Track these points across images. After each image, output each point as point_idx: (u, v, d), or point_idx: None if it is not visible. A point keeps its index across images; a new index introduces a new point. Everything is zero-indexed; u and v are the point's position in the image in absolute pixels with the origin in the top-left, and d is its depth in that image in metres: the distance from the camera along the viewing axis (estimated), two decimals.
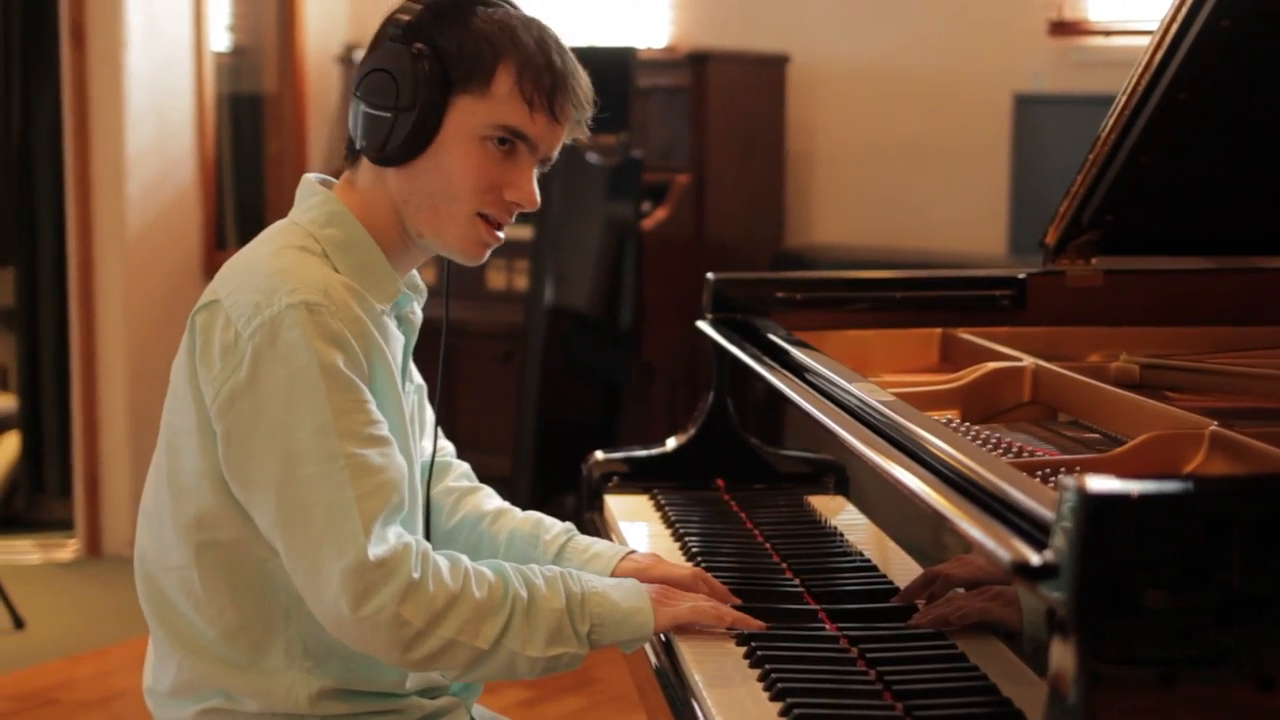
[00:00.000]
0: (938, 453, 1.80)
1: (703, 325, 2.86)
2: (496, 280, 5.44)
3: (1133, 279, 2.90)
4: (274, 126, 6.33)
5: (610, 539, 2.59)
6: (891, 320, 2.89)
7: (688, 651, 2.01)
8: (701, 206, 5.43)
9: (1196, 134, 2.65)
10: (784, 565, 2.37)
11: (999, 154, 5.57)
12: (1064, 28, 5.46)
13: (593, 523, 2.74)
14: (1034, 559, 1.42)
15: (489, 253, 2.09)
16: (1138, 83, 2.60)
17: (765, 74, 5.77)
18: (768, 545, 2.46)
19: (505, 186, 2.04)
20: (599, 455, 2.86)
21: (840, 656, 1.96)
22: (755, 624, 2.05)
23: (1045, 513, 1.49)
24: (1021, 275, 2.91)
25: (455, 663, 1.94)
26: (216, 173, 5.96)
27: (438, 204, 2.03)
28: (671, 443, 2.87)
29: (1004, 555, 1.44)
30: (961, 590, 1.96)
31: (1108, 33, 5.44)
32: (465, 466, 2.40)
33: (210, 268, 5.90)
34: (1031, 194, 5.51)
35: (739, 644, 2.01)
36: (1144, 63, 2.58)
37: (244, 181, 6.24)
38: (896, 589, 2.16)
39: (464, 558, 1.99)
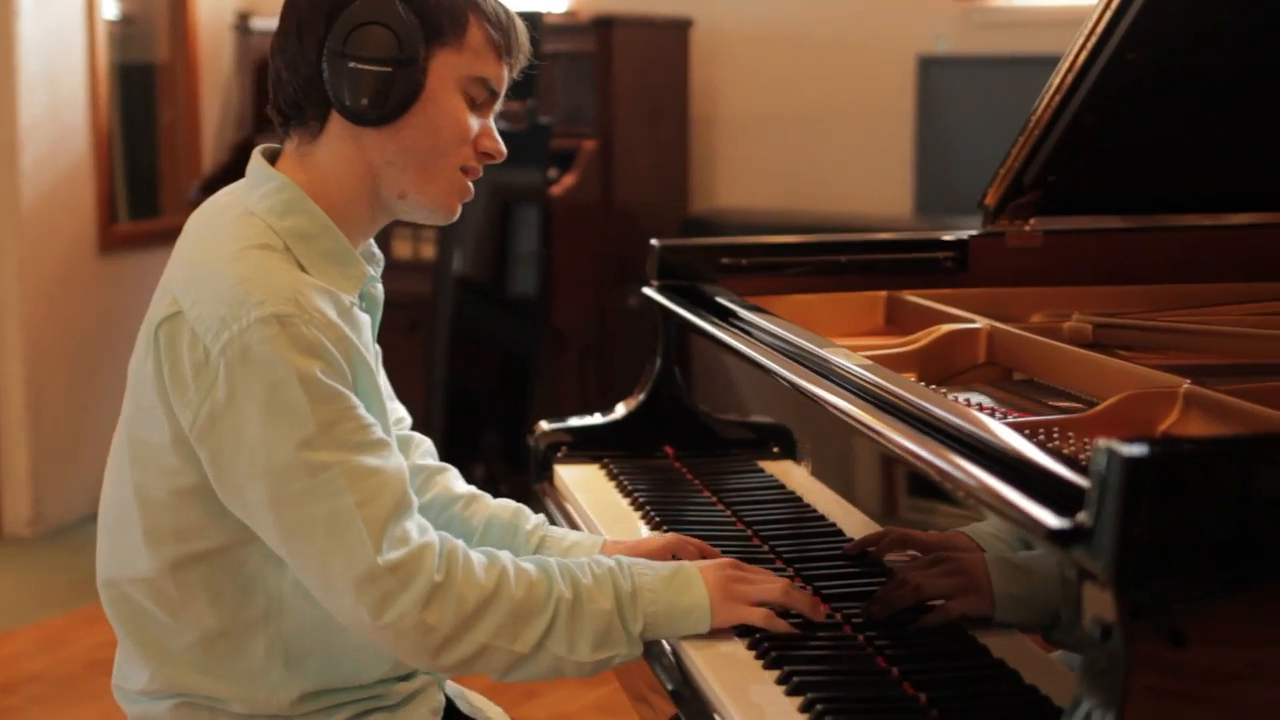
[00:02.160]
0: (945, 420, 1.78)
1: (649, 292, 2.83)
2: (402, 250, 5.38)
3: (1073, 239, 2.91)
4: (166, 96, 6.21)
5: (566, 510, 2.56)
6: (834, 284, 2.88)
7: (696, 656, 1.90)
8: (609, 172, 5.40)
9: (1142, 94, 2.67)
10: (750, 532, 2.35)
11: (903, 117, 5.59)
12: None
13: (543, 494, 2.71)
14: (1063, 523, 1.42)
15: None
16: (1085, 42, 2.61)
17: (669, 38, 5.74)
18: (730, 512, 2.45)
19: (478, 138, 2.01)
20: (545, 425, 2.83)
21: (856, 651, 1.90)
22: (821, 611, 1.95)
23: (1069, 475, 1.49)
24: (964, 237, 2.91)
25: (492, 667, 1.87)
26: (109, 144, 5.84)
27: (424, 161, 1.98)
28: (620, 410, 2.85)
29: (1042, 520, 1.43)
30: (918, 572, 1.94)
31: None
32: (428, 443, 2.34)
33: (105, 241, 5.79)
34: (936, 156, 5.53)
35: (748, 645, 1.92)
36: (1093, 22, 2.59)
37: (136, 152, 6.12)
38: (864, 555, 2.15)
39: (504, 554, 1.91)
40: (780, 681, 1.80)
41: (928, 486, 2.10)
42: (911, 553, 2.00)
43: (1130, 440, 1.36)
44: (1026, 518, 1.47)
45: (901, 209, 5.57)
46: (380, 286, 2.10)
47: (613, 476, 2.66)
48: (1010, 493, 1.52)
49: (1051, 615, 1.71)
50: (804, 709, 1.73)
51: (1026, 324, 2.66)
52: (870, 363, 2.11)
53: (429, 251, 5.27)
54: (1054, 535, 1.41)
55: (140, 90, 6.16)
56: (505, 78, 2.03)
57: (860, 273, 2.90)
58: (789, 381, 2.21)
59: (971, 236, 2.91)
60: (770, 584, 1.96)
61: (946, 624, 1.83)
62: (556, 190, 5.23)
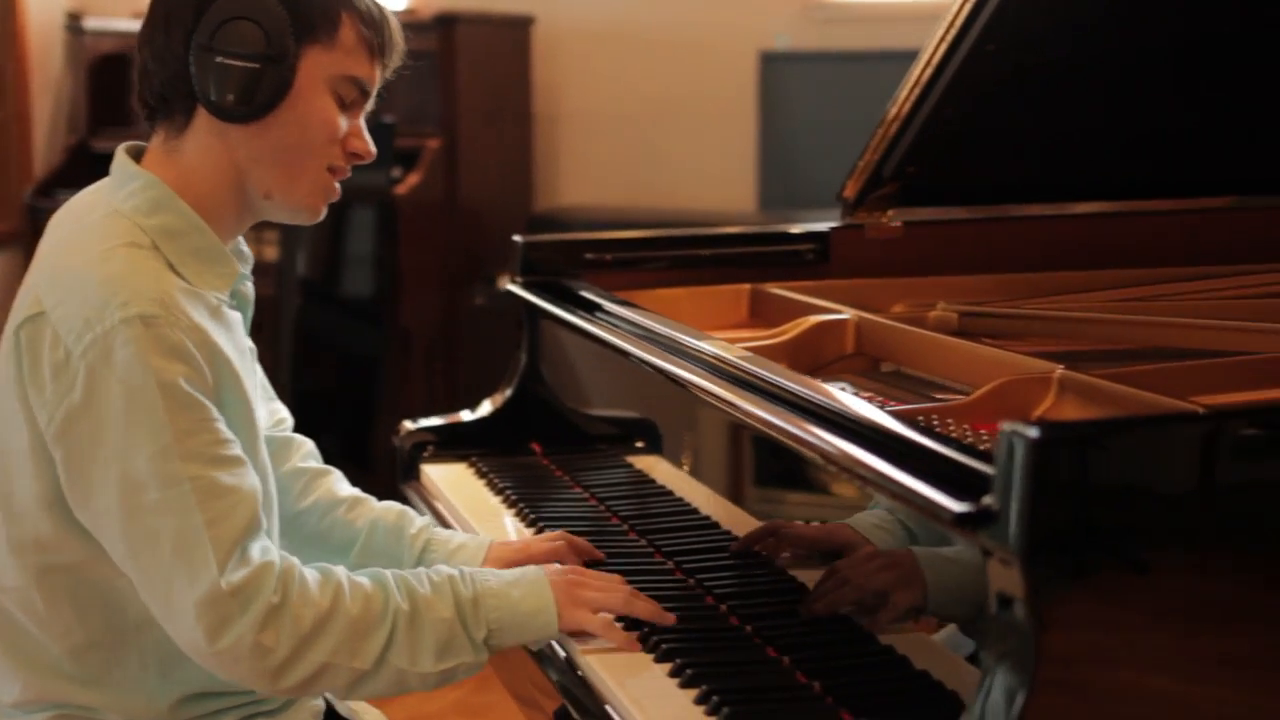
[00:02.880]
0: (841, 410, 1.79)
1: (513, 287, 2.81)
2: None
3: (932, 230, 2.94)
4: None
5: (437, 509, 2.54)
6: (696, 278, 2.88)
7: (586, 654, 1.89)
8: (453, 171, 5.36)
9: (1002, 86, 2.69)
10: (627, 527, 2.35)
11: (746, 112, 5.61)
12: None
13: (412, 494, 2.68)
14: (966, 507, 1.43)
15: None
16: (945, 34, 2.63)
17: (511, 36, 5.72)
18: (604, 507, 2.44)
19: (347, 137, 1.97)
20: (409, 425, 2.81)
21: (746, 642, 1.90)
22: (668, 618, 1.93)
23: (967, 460, 1.50)
24: (824, 229, 2.93)
25: (335, 685, 1.83)
26: None
27: (291, 160, 1.93)
28: (486, 408, 2.83)
29: (946, 505, 1.43)
30: (847, 572, 1.94)
31: None
32: (310, 444, 2.30)
33: None
34: (779, 152, 5.56)
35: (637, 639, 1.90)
36: (953, 14, 2.60)
37: None
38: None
39: (339, 570, 1.86)
40: (673, 674, 1.80)
41: (807, 478, 2.12)
42: (792, 550, 2.02)
43: (1031, 424, 1.37)
44: (930, 504, 1.48)
45: (745, 205, 5.60)
46: (250, 284, 2.05)
47: (482, 475, 2.64)
48: (912, 481, 1.53)
49: (980, 607, 1.73)
50: (700, 701, 1.73)
51: (890, 314, 2.68)
52: (750, 354, 2.11)
53: (272, 254, 5.20)
54: (959, 519, 1.42)
55: None
56: (378, 77, 2.00)
57: (722, 266, 2.91)
58: (667, 373, 2.20)
59: (832, 228, 2.92)
60: (614, 592, 1.94)
61: (895, 617, 1.83)
62: (401, 189, 5.19)
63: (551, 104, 5.91)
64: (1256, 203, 2.97)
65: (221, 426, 1.82)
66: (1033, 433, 1.36)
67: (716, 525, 2.26)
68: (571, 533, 2.26)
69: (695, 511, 2.34)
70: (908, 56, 5.09)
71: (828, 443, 1.73)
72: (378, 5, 1.99)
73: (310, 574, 1.83)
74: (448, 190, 5.35)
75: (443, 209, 5.33)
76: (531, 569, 1.95)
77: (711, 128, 5.68)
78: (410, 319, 5.22)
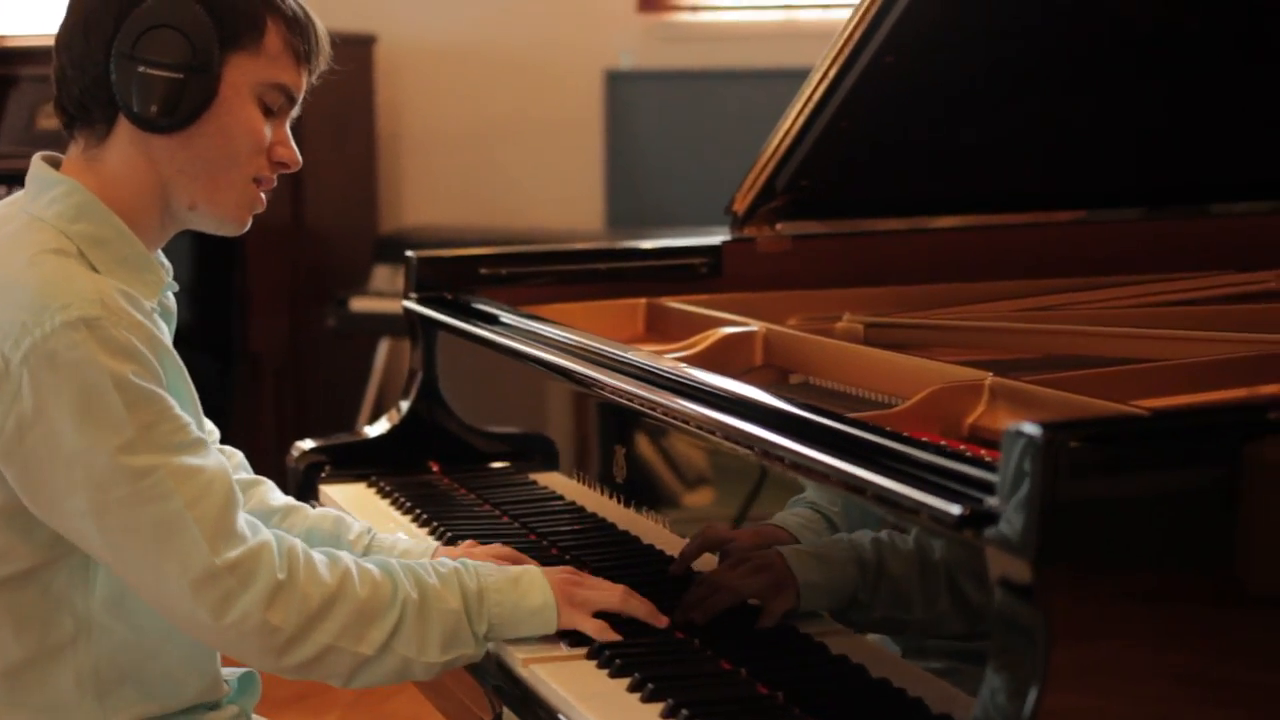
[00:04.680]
0: (811, 420, 1.78)
1: (409, 304, 2.77)
2: None
3: (823, 243, 2.95)
4: None
5: None
6: (586, 293, 2.86)
7: (538, 669, 1.87)
8: (299, 191, 5.27)
9: (900, 97, 2.70)
10: (547, 544, 2.31)
11: (592, 131, 5.60)
12: (652, 4, 5.52)
13: None
14: (964, 511, 1.42)
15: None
16: (842, 47, 2.63)
17: (353, 54, 5.64)
18: (519, 524, 2.41)
19: (273, 146, 1.93)
20: (303, 445, 2.76)
21: (698, 655, 1.89)
22: (661, 619, 1.93)
23: (952, 464, 1.50)
24: (716, 243, 2.92)
25: (337, 670, 1.81)
26: None
27: (216, 171, 1.89)
28: (382, 426, 2.78)
29: (950, 510, 1.43)
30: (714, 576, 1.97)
31: (695, 8, 5.53)
32: (239, 456, 2.25)
33: None
34: (626, 170, 5.56)
35: (587, 654, 1.89)
36: (851, 25, 2.60)
37: None
38: (667, 556, 2.14)
39: (345, 555, 1.85)
40: (633, 689, 1.77)
41: (729, 485, 2.11)
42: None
43: (1034, 424, 1.37)
44: (929, 509, 1.47)
45: (593, 223, 5.58)
46: (173, 297, 2.00)
47: (385, 494, 2.60)
48: (907, 489, 1.52)
49: (849, 598, 1.79)
50: (667, 714, 1.70)
51: (788, 326, 2.67)
52: (683, 364, 2.09)
53: None
54: (962, 522, 1.41)
55: None
56: (304, 83, 1.96)
57: (612, 280, 2.89)
58: (599, 384, 2.18)
59: (724, 242, 2.91)
60: (609, 592, 1.94)
61: (772, 622, 1.86)
62: None
63: (395, 123, 5.85)
64: (1157, 213, 3.03)
65: (179, 412, 1.79)
66: (1038, 432, 1.36)
67: (638, 540, 2.24)
68: None
69: (612, 527, 2.31)
70: (753, 75, 5.22)
71: (806, 455, 1.72)
72: (303, 9, 1.95)
73: (318, 556, 1.82)
74: (293, 210, 5.26)
75: (288, 230, 5.24)
76: (531, 567, 1.95)
77: (558, 146, 5.66)
78: (258, 343, 5.12)
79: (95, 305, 1.75)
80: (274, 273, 5.16)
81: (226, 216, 1.93)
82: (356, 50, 5.65)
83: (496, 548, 2.14)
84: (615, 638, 1.89)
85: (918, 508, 1.49)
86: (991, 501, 1.39)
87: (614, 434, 2.32)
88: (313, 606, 1.78)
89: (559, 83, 5.64)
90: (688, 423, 1.98)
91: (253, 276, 5.10)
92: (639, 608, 1.93)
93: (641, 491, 2.24)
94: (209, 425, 2.21)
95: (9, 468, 1.76)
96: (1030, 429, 1.35)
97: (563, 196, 5.66)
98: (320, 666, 1.80)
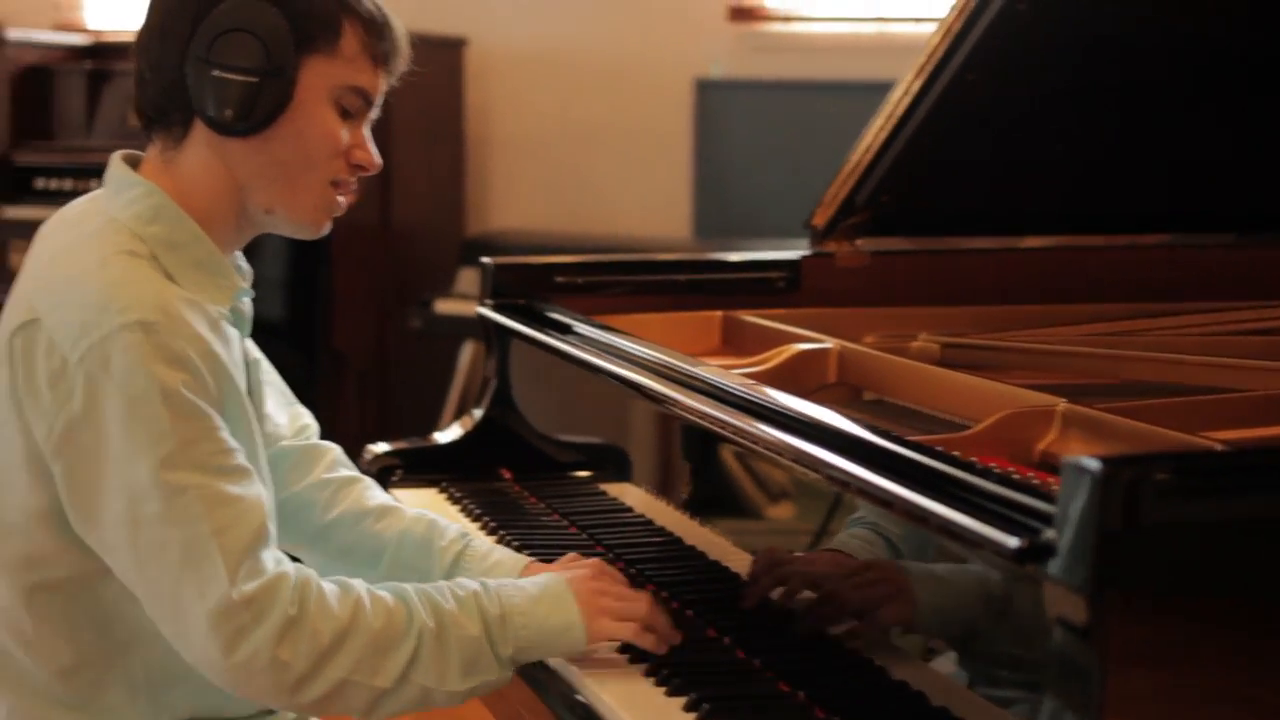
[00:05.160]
0: (872, 441, 1.76)
1: (484, 311, 2.76)
2: None
3: (903, 260, 2.93)
4: None
5: None
6: (664, 304, 2.85)
7: (599, 690, 1.83)
8: (387, 192, 5.31)
9: (981, 115, 2.68)
10: (613, 556, 2.30)
11: (681, 139, 5.60)
12: (743, 13, 5.51)
13: None
14: (1015, 542, 1.40)
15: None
16: (924, 64, 2.61)
17: (444, 57, 5.67)
18: (586, 535, 2.40)
19: (351, 149, 1.92)
20: (375, 449, 2.75)
21: (756, 674, 1.86)
22: (675, 636, 1.89)
23: (1011, 494, 1.48)
24: (795, 257, 2.91)
25: (354, 705, 1.77)
26: None
27: (293, 174, 1.88)
28: (455, 432, 2.78)
29: (1006, 542, 1.41)
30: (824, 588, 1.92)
31: (787, 18, 5.51)
32: (336, 451, 2.22)
33: None
34: (714, 179, 5.55)
35: (645, 673, 1.85)
36: (934, 43, 2.59)
37: None
38: (732, 573, 2.13)
39: (357, 583, 1.80)
40: (689, 709, 1.75)
41: (806, 500, 2.09)
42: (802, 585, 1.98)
43: (1091, 457, 1.35)
44: (986, 540, 1.45)
45: (680, 231, 5.58)
46: (249, 302, 1.99)
47: (455, 501, 2.59)
48: (963, 518, 1.50)
49: (968, 630, 1.72)
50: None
51: (864, 344, 2.65)
52: (753, 381, 2.08)
53: None
54: (1019, 555, 1.39)
55: None
56: (382, 86, 1.95)
57: (690, 292, 2.88)
58: (669, 400, 2.16)
59: (803, 257, 2.90)
60: (637, 602, 1.89)
61: (876, 630, 1.81)
62: None
63: (484, 126, 5.87)
64: (1246, 240, 2.99)
65: (225, 435, 1.76)
66: (1096, 466, 1.34)
67: (704, 555, 2.23)
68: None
69: (679, 540, 2.30)
70: (844, 87, 5.19)
71: (860, 478, 1.70)
72: (380, 10, 1.93)
73: (329, 587, 1.77)
74: (381, 211, 5.30)
75: (376, 230, 5.28)
76: (553, 577, 1.90)
77: (646, 154, 5.66)
78: (343, 342, 5.15)
79: (155, 311, 1.74)
80: (361, 273, 5.20)
81: (303, 220, 1.92)
82: (447, 53, 5.67)
83: (596, 564, 2.04)
84: (651, 640, 1.86)
85: (977, 538, 1.47)
86: (1050, 534, 1.37)
87: (684, 449, 2.31)
88: (324, 642, 1.73)
89: (649, 90, 5.64)
90: (754, 442, 1.96)
91: (340, 276, 5.13)
92: (662, 623, 1.88)
93: (709, 507, 2.23)
94: (307, 418, 2.21)
95: (56, 468, 1.76)
96: (1088, 463, 1.33)
97: (650, 205, 5.66)
98: (336, 702, 1.76)
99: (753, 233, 5.21)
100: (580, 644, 1.85)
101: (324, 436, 2.30)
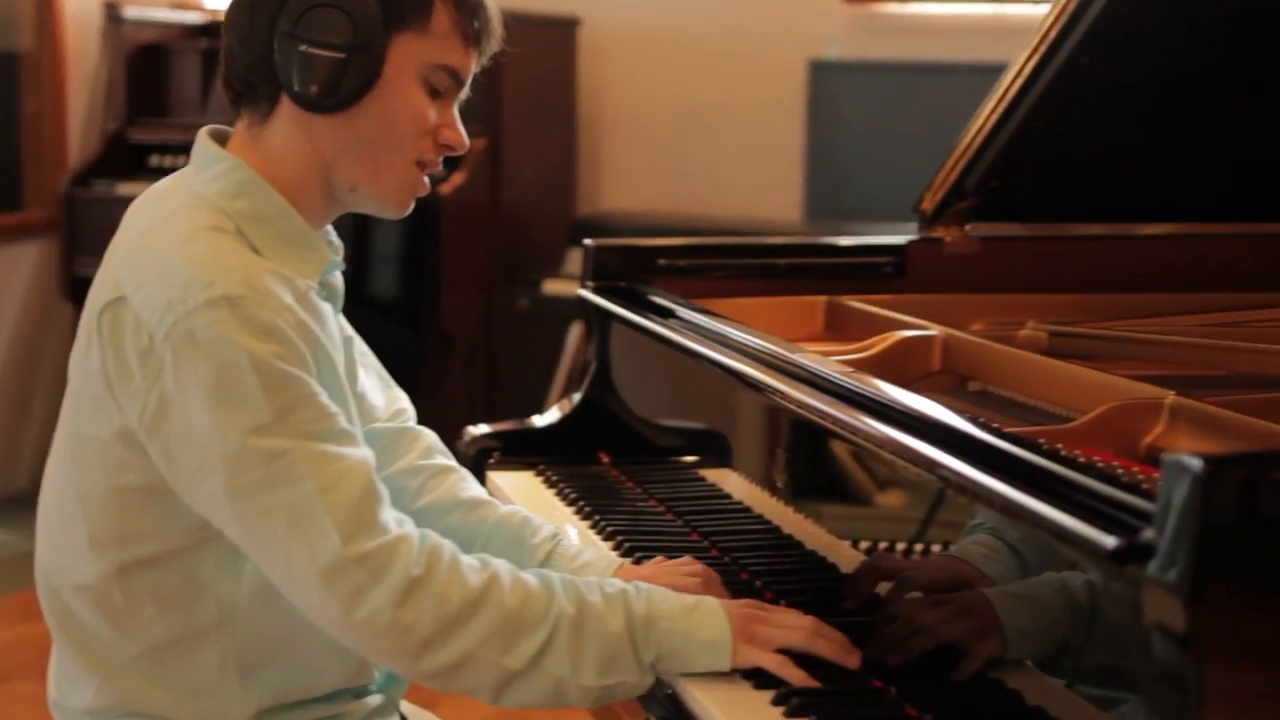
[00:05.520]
0: (968, 433, 1.71)
1: (584, 293, 2.74)
2: None
3: (1011, 245, 2.87)
4: (31, 86, 6.00)
5: None
6: (768, 288, 2.81)
7: (705, 700, 1.73)
8: (497, 172, 5.30)
9: (1096, 99, 2.62)
10: (708, 544, 2.27)
11: (794, 120, 5.55)
12: None
13: None
14: (1118, 543, 1.35)
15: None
16: (1038, 45, 2.56)
17: (556, 36, 5.66)
18: (681, 522, 2.37)
19: (439, 129, 1.88)
20: (474, 430, 2.74)
21: (880, 699, 1.76)
22: (853, 657, 1.77)
23: (1111, 491, 1.43)
24: (902, 242, 2.86)
25: (480, 681, 1.71)
26: None
27: (378, 152, 1.85)
28: (554, 415, 2.76)
29: (1103, 542, 1.36)
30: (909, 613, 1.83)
31: None
32: (431, 437, 2.19)
33: None
34: (826, 162, 5.50)
35: (773, 700, 1.73)
36: (1047, 24, 2.53)
37: None
38: (829, 564, 2.09)
39: (500, 562, 1.76)
40: (776, 702, 1.71)
41: (896, 497, 2.05)
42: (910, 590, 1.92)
43: (1193, 455, 1.30)
44: (1081, 539, 1.40)
45: (791, 214, 5.54)
46: (340, 276, 1.97)
47: (551, 484, 2.57)
48: (1059, 515, 1.45)
49: (1060, 645, 1.65)
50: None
51: (971, 331, 2.60)
52: (850, 369, 2.04)
53: None
54: (1115, 555, 1.35)
55: (3, 80, 5.95)
56: (473, 65, 1.91)
57: (794, 277, 2.84)
58: (767, 386, 2.12)
59: (910, 242, 2.85)
60: (795, 630, 1.79)
61: (974, 669, 1.72)
62: (445, 189, 5.12)
63: (596, 107, 5.85)
64: None
65: (324, 400, 1.74)
66: (1198, 464, 1.29)
67: (801, 545, 2.19)
68: (652, 548, 2.19)
69: (777, 529, 2.26)
70: (958, 69, 5.12)
71: (961, 473, 1.65)
72: None
73: (467, 558, 1.74)
74: (491, 191, 5.29)
75: (486, 210, 5.27)
76: (708, 598, 1.81)
77: (758, 135, 5.61)
78: (451, 322, 5.15)
79: (240, 284, 1.72)
80: (470, 253, 5.19)
81: (388, 199, 1.90)
82: (560, 33, 5.66)
83: (686, 563, 2.00)
84: (800, 675, 1.73)
85: (1073, 536, 1.42)
86: (1149, 534, 1.32)
87: (784, 436, 2.27)
88: (451, 608, 1.69)
89: (763, 72, 5.59)
90: (849, 432, 1.92)
91: (449, 256, 5.12)
92: (827, 647, 1.77)
93: (809, 495, 2.19)
94: (403, 402, 2.19)
95: (152, 446, 1.75)
96: (1190, 460, 1.28)
97: (761, 187, 5.61)
98: (461, 676, 1.71)
99: (865, 216, 5.16)
100: (724, 661, 1.75)
101: (429, 417, 2.28)
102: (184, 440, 1.72)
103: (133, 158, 5.68)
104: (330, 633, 1.74)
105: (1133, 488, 1.43)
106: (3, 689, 4.18)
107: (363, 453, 1.75)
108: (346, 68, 1.80)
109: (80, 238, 5.48)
